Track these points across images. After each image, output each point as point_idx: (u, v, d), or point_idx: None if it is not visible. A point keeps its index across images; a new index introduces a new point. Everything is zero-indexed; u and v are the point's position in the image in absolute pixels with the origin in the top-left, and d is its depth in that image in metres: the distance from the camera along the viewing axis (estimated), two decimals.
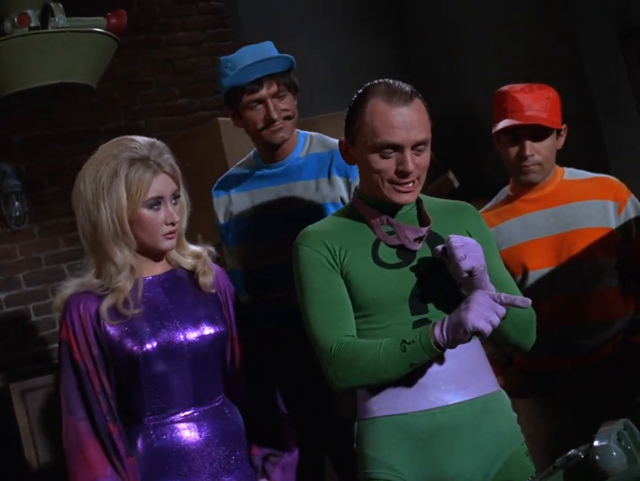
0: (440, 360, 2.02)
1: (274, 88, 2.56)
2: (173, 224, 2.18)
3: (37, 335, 4.64)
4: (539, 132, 2.59)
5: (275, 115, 2.55)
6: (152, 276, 2.23)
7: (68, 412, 2.14)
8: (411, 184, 2.03)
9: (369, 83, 2.09)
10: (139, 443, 2.17)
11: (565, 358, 2.62)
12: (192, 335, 2.18)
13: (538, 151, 2.60)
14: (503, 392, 2.14)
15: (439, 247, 2.01)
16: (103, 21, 3.27)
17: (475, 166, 5.05)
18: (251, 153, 2.75)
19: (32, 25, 3.17)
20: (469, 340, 1.92)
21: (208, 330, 2.20)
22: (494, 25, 4.93)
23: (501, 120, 2.64)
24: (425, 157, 2.05)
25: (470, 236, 2.12)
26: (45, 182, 4.74)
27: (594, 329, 2.60)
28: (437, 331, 1.92)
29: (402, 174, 2.01)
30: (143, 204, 2.14)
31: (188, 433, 2.16)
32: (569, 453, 1.75)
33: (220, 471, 2.18)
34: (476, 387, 2.05)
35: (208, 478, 2.16)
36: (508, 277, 2.17)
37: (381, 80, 2.08)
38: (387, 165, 2.02)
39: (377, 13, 5.51)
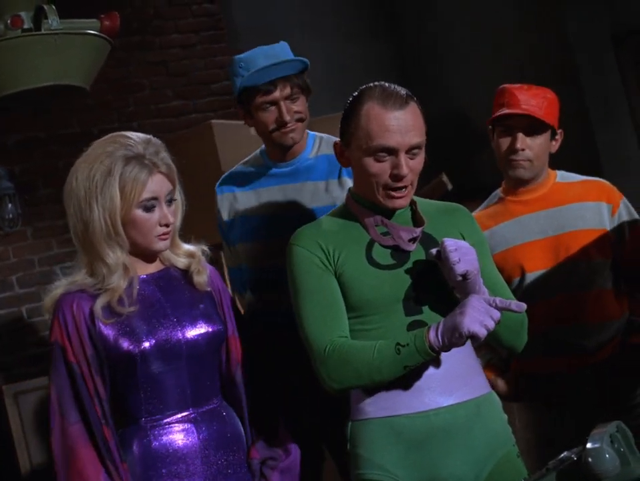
0: (433, 363, 2.03)
1: (287, 90, 2.56)
2: (167, 225, 2.12)
3: (30, 337, 4.63)
4: (532, 127, 2.60)
5: (287, 118, 2.55)
6: (146, 275, 2.17)
7: (60, 416, 2.07)
8: (404, 190, 2.04)
9: (364, 86, 2.09)
10: (135, 445, 2.11)
11: (562, 359, 2.62)
12: (190, 333, 2.13)
13: (530, 146, 2.60)
14: (494, 394, 2.15)
15: (434, 250, 2.01)
16: (97, 23, 3.26)
17: (469, 168, 5.06)
18: (257, 151, 2.75)
19: (25, 26, 3.16)
20: (464, 343, 1.93)
21: (206, 328, 2.15)
22: (488, 27, 4.94)
23: None
24: (419, 161, 2.05)
25: (463, 238, 2.12)
26: (38, 184, 4.74)
27: (591, 330, 2.61)
28: (432, 334, 1.92)
29: (396, 177, 2.01)
30: (137, 205, 2.08)
31: (185, 435, 2.11)
32: (562, 455, 1.75)
33: (217, 475, 2.12)
34: (469, 389, 2.06)
35: None
36: (500, 279, 2.17)
37: (376, 83, 2.08)
38: (381, 168, 2.02)
39: (371, 14, 5.51)
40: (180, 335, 2.12)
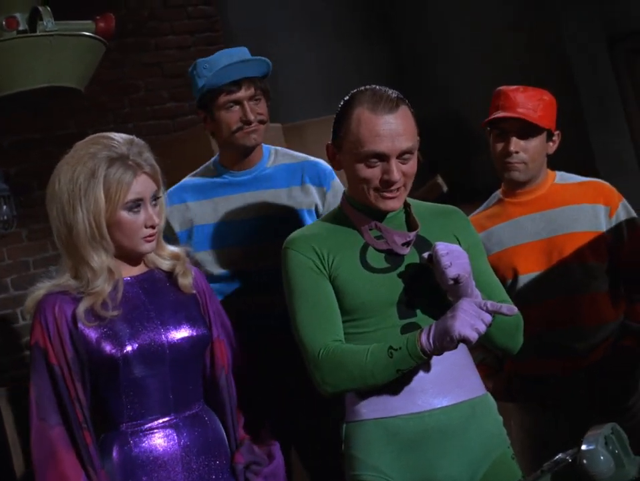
0: (428, 364, 2.03)
1: (251, 91, 2.58)
2: (153, 227, 2.09)
3: (24, 339, 4.61)
4: (527, 130, 2.60)
5: (252, 117, 2.56)
6: (130, 277, 2.14)
7: (39, 418, 2.03)
8: (396, 190, 2.03)
9: (355, 90, 2.09)
10: (115, 451, 2.07)
11: (556, 361, 2.62)
12: (174, 337, 2.10)
13: (524, 149, 2.60)
14: (489, 395, 2.15)
15: (425, 254, 2.01)
16: (92, 24, 3.25)
17: (464, 170, 5.06)
18: (209, 163, 2.74)
19: (20, 28, 3.15)
20: (455, 347, 1.92)
21: (190, 331, 2.13)
22: (483, 30, 4.95)
23: None
24: (411, 165, 2.04)
25: (458, 240, 2.12)
26: (33, 185, 4.73)
27: (585, 332, 2.61)
28: (424, 338, 1.93)
29: (387, 183, 2.01)
30: (122, 207, 2.04)
31: (166, 441, 2.08)
32: (557, 457, 1.75)
33: None
34: (464, 390, 2.06)
35: None
36: (496, 281, 2.18)
37: (367, 87, 2.08)
38: (372, 174, 2.02)
39: (366, 16, 5.52)
40: (164, 338, 2.09)
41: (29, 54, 3.10)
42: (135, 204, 2.06)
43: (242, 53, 2.65)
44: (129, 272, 2.15)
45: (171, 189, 2.72)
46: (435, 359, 2.02)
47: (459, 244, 2.12)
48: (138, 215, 2.07)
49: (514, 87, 2.66)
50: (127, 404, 2.08)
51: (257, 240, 2.62)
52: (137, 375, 2.06)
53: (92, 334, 2.05)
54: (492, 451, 2.07)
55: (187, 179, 2.75)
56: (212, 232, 2.64)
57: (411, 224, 2.11)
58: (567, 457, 1.72)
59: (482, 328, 1.87)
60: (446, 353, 2.00)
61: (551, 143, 2.68)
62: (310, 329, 2.04)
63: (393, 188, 2.02)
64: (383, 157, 2.00)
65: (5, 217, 4.63)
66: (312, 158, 2.75)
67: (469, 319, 1.87)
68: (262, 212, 2.64)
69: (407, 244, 2.07)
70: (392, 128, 1.99)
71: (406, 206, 2.12)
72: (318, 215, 2.68)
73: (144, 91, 5.10)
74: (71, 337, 2.05)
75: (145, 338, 2.07)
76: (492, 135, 2.67)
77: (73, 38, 3.16)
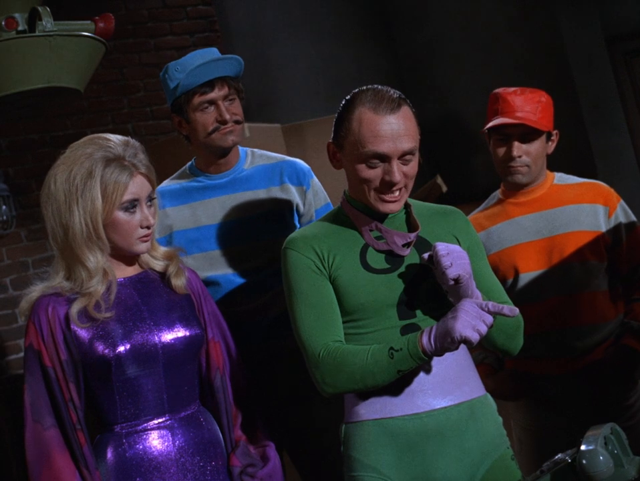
0: (428, 365, 2.03)
1: (225, 90, 2.55)
2: (148, 227, 2.10)
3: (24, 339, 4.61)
4: (528, 134, 2.60)
5: (227, 116, 2.53)
6: (124, 278, 2.15)
7: (33, 420, 2.03)
8: (397, 193, 2.03)
9: (357, 90, 2.08)
10: (110, 452, 2.07)
11: (556, 361, 2.63)
12: (167, 337, 2.10)
13: (527, 152, 2.61)
14: (489, 396, 2.15)
15: (426, 255, 2.00)
16: (91, 25, 3.25)
17: (463, 171, 5.06)
18: (185, 168, 2.71)
19: (19, 28, 3.15)
20: (457, 348, 1.92)
21: (183, 332, 2.13)
22: (482, 31, 4.95)
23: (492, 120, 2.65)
24: (412, 166, 2.03)
25: (458, 241, 2.12)
26: (32, 185, 4.73)
27: (585, 331, 2.61)
28: (425, 339, 1.92)
29: (388, 184, 2.00)
30: (118, 207, 2.05)
31: (161, 442, 2.07)
32: (556, 457, 1.75)
33: None
34: (463, 391, 2.06)
35: None
36: (496, 282, 2.17)
37: (369, 86, 2.07)
38: (373, 175, 2.01)
39: (365, 17, 5.51)
40: (157, 338, 2.09)
41: (28, 54, 3.09)
42: (132, 205, 2.08)
43: (213, 53, 2.61)
44: (123, 273, 2.15)
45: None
46: (435, 360, 2.02)
47: (459, 244, 2.12)
48: (134, 215, 2.09)
49: (511, 89, 2.66)
50: (120, 405, 2.08)
51: (238, 242, 2.60)
52: (130, 375, 2.07)
53: (85, 335, 2.06)
54: (491, 452, 2.06)
55: (163, 185, 2.70)
56: (191, 237, 2.61)
57: (411, 225, 2.10)
58: (567, 458, 1.72)
59: (484, 329, 1.87)
60: (446, 354, 2.00)
61: (550, 143, 2.69)
62: (310, 329, 2.03)
63: (394, 189, 2.02)
64: (384, 158, 1.99)
65: (4, 217, 4.63)
66: (289, 158, 2.73)
67: (470, 320, 1.86)
68: (241, 214, 2.61)
69: (407, 245, 2.06)
70: (394, 129, 1.98)
71: (407, 206, 2.12)
72: (299, 215, 2.66)
73: (143, 91, 5.10)
74: (65, 338, 2.06)
75: (138, 338, 2.07)
76: (492, 140, 2.67)
77: (73, 38, 3.15)
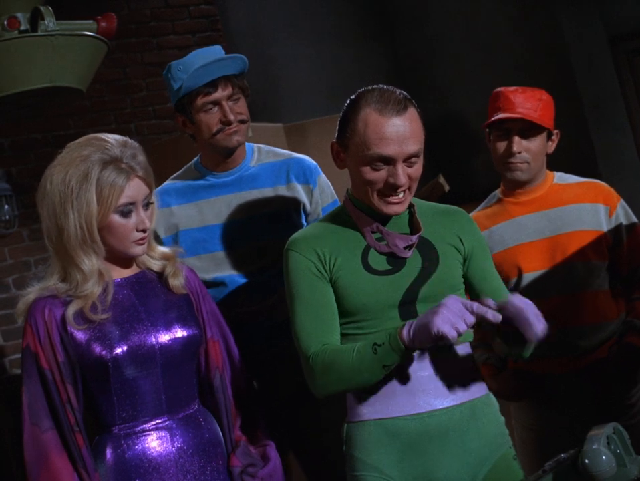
0: (429, 365, 2.03)
1: (229, 90, 2.52)
2: (144, 230, 2.07)
3: None
4: (528, 130, 2.60)
5: (232, 117, 2.50)
6: (121, 279, 2.13)
7: (31, 423, 2.02)
8: (401, 195, 2.02)
9: (362, 89, 2.05)
10: (109, 453, 2.06)
11: (559, 360, 2.62)
12: (164, 338, 2.08)
13: (527, 149, 2.61)
14: (491, 396, 2.14)
15: (491, 314, 1.88)
16: (93, 24, 3.25)
17: (464, 171, 5.06)
18: (190, 165, 2.69)
19: (22, 28, 3.15)
20: (434, 343, 1.88)
21: (180, 332, 2.10)
22: (483, 31, 4.95)
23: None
24: (417, 168, 2.02)
25: (461, 240, 2.11)
26: (34, 185, 4.63)
27: (588, 330, 2.61)
28: (405, 331, 1.90)
29: (393, 187, 1.99)
30: (114, 210, 2.03)
31: (160, 442, 2.06)
32: (559, 456, 1.75)
33: None
34: (465, 391, 2.05)
35: None
36: (501, 283, 2.17)
37: (375, 86, 2.04)
38: (377, 177, 1.99)
39: (366, 17, 5.52)
40: (154, 339, 2.07)
41: (30, 54, 3.10)
42: (127, 208, 2.05)
43: (216, 52, 2.58)
44: (119, 273, 2.13)
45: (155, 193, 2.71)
46: (436, 360, 2.01)
47: (462, 244, 2.11)
48: (129, 219, 2.06)
49: (513, 88, 2.66)
50: (118, 406, 2.06)
51: (244, 243, 2.58)
52: (128, 377, 2.05)
53: (82, 336, 2.04)
54: (493, 451, 2.06)
55: (169, 182, 2.68)
56: (197, 237, 2.59)
57: (414, 226, 2.09)
58: (569, 457, 1.72)
59: (462, 328, 1.84)
60: (448, 354, 2.01)
61: (550, 143, 2.69)
62: (305, 331, 2.03)
63: (398, 191, 2.00)
64: (389, 161, 1.97)
65: (7, 217, 4.63)
66: (296, 155, 2.70)
67: (451, 317, 1.84)
68: (248, 214, 2.59)
69: (409, 247, 2.05)
70: (399, 131, 1.96)
71: (410, 207, 2.10)
72: (305, 213, 2.64)
73: (146, 91, 5.10)
74: (62, 340, 2.04)
75: (135, 340, 2.05)
76: (492, 136, 2.67)
77: (75, 38, 3.15)
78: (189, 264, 2.44)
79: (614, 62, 4.62)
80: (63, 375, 2.02)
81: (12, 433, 4.14)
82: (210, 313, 2.22)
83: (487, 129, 2.69)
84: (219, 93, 2.51)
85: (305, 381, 2.05)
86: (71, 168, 2.02)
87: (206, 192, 2.61)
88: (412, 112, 2.00)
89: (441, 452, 2.02)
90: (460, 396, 2.04)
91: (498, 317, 1.87)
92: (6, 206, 4.63)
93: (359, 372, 1.95)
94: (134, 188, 2.05)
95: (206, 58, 2.51)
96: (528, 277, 2.62)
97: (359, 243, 2.08)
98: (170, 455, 2.06)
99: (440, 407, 2.02)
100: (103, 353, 2.02)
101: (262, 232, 2.57)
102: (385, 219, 2.08)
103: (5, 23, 3.15)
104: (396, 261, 2.05)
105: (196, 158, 2.69)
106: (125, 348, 2.03)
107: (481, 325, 1.96)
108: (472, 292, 2.13)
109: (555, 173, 2.74)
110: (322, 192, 2.65)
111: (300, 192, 2.62)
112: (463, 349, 2.08)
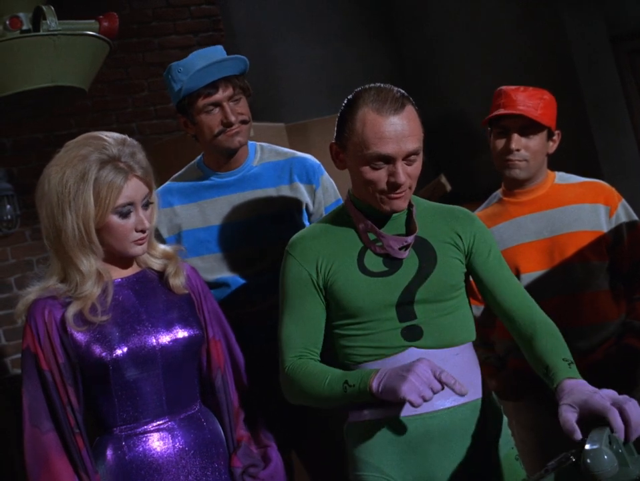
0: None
1: (229, 91, 2.51)
2: (144, 230, 2.05)
3: None
4: (528, 128, 2.60)
5: (233, 118, 2.49)
6: (121, 279, 2.11)
7: (32, 424, 2.00)
8: (402, 192, 2.01)
9: (359, 89, 2.04)
10: (109, 454, 2.04)
11: None
12: (165, 339, 2.06)
13: (526, 147, 2.61)
14: (493, 396, 2.14)
15: (578, 434, 1.76)
16: (95, 24, 3.25)
17: (466, 171, 5.06)
18: (193, 163, 2.68)
19: (24, 28, 3.15)
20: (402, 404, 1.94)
21: (182, 333, 2.09)
22: (486, 31, 4.95)
23: None
24: (416, 166, 2.02)
25: (460, 238, 2.10)
26: (36, 185, 4.73)
27: (587, 331, 2.61)
28: (374, 384, 1.91)
29: (393, 185, 1.99)
30: (112, 211, 2.00)
31: (161, 444, 2.04)
32: (561, 456, 1.75)
33: None
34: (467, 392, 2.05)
35: None
36: (512, 275, 2.14)
37: (371, 85, 2.03)
38: (377, 176, 1.99)
39: (369, 17, 5.52)
40: (154, 341, 2.05)
41: (32, 54, 3.10)
42: (126, 208, 2.02)
43: (216, 52, 2.57)
44: (119, 273, 2.12)
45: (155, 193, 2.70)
46: (438, 360, 2.00)
47: (461, 240, 2.10)
48: (128, 219, 2.03)
49: (515, 86, 2.66)
50: (119, 407, 2.05)
51: (247, 244, 2.57)
52: (129, 378, 2.03)
53: (82, 338, 2.01)
54: (495, 452, 2.06)
55: (171, 182, 2.67)
56: (200, 237, 2.58)
57: (411, 226, 2.09)
58: (571, 457, 1.72)
59: (429, 396, 1.84)
60: (450, 354, 2.01)
61: (551, 143, 2.69)
62: (288, 341, 2.07)
63: (398, 191, 2.00)
64: (389, 160, 1.97)
65: (9, 216, 4.64)
66: (299, 154, 2.69)
67: (418, 385, 1.84)
68: (251, 214, 2.58)
69: (405, 247, 2.05)
70: (398, 130, 1.95)
71: (409, 206, 2.10)
72: (308, 213, 2.63)
73: (147, 90, 5.10)
74: (62, 342, 2.02)
75: (135, 341, 2.03)
76: (492, 133, 2.67)
77: (77, 37, 3.15)
78: (191, 265, 2.42)
79: (616, 62, 4.61)
80: (64, 377, 2.00)
81: (14, 433, 4.14)
82: (211, 313, 2.21)
83: (488, 128, 2.69)
84: (220, 95, 2.50)
85: None
86: (69, 168, 1.99)
87: (209, 191, 2.61)
88: (410, 110, 2.00)
89: (443, 453, 2.02)
90: (462, 397, 2.02)
91: (464, 391, 1.88)
92: (8, 206, 4.63)
93: (326, 399, 2.00)
94: (133, 188, 2.02)
95: (207, 59, 2.50)
96: (526, 278, 2.62)
97: (356, 244, 2.08)
98: (171, 456, 2.05)
99: (442, 407, 2.02)
100: (104, 354, 2.00)
101: (264, 234, 2.56)
102: (383, 219, 2.07)
103: (7, 22, 3.15)
104: (392, 262, 2.05)
105: (199, 157, 2.68)
106: (125, 349, 2.02)
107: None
108: (481, 287, 2.12)
109: (556, 173, 2.74)
110: (325, 191, 2.65)
111: (303, 192, 2.61)
112: (466, 349, 2.07)
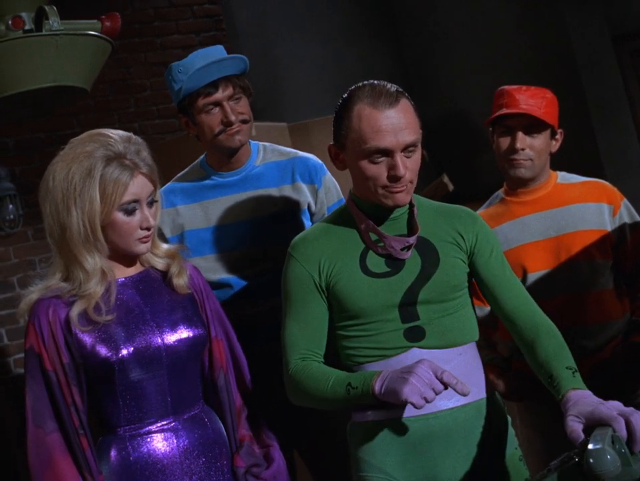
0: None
1: (229, 90, 2.51)
2: (148, 228, 2.04)
3: None
4: (532, 126, 2.60)
5: (233, 118, 2.49)
6: (125, 278, 2.10)
7: (35, 425, 1.99)
8: (403, 184, 2.01)
9: (353, 87, 2.05)
10: (113, 455, 2.03)
11: None
12: (170, 339, 2.05)
13: (530, 146, 2.61)
14: (497, 396, 2.14)
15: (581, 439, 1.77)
16: (98, 24, 3.25)
17: (468, 170, 5.06)
18: (196, 163, 2.68)
19: (26, 27, 3.15)
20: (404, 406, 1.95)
21: (186, 333, 2.08)
22: (487, 31, 4.94)
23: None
24: (416, 159, 2.02)
25: (462, 237, 2.10)
26: (39, 184, 4.72)
27: (593, 330, 2.61)
28: (377, 386, 1.92)
29: (394, 178, 1.99)
30: (118, 208, 1.99)
31: (165, 444, 2.03)
32: (563, 455, 1.75)
33: None
34: (470, 392, 2.03)
35: None
36: (513, 276, 2.15)
37: (365, 82, 2.04)
38: (378, 171, 1.99)
39: (371, 16, 5.52)
40: (160, 340, 2.04)
41: (34, 54, 3.10)
42: (132, 206, 2.01)
43: (216, 52, 2.56)
44: (123, 272, 2.11)
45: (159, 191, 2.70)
46: (441, 361, 2.00)
47: (463, 240, 2.10)
48: (133, 216, 2.02)
49: (516, 86, 2.66)
50: (124, 408, 2.03)
51: (250, 244, 2.57)
52: (134, 378, 2.02)
53: (87, 338, 2.00)
54: (499, 452, 2.06)
55: (174, 182, 2.67)
56: (203, 237, 2.58)
57: (413, 227, 2.08)
58: (574, 456, 1.72)
59: (431, 397, 1.84)
60: (453, 354, 2.01)
61: (554, 142, 2.69)
62: (291, 341, 2.08)
63: (400, 183, 1.99)
64: (387, 153, 1.98)
65: (11, 216, 4.64)
66: (302, 154, 2.69)
67: (420, 386, 1.84)
68: (253, 214, 2.58)
69: (407, 248, 2.05)
70: (394, 122, 1.96)
71: (410, 206, 2.10)
72: (311, 213, 2.63)
73: (150, 90, 5.10)
74: (66, 342, 2.00)
75: (141, 341, 2.02)
76: (495, 133, 2.67)
77: (79, 37, 3.15)
78: (194, 265, 2.42)
79: (619, 61, 4.61)
80: (68, 377, 1.99)
81: (17, 432, 4.14)
82: (213, 312, 2.21)
83: (490, 128, 2.69)
84: (219, 94, 2.50)
85: None
86: (74, 165, 1.98)
87: (212, 192, 2.61)
88: (405, 103, 2.00)
89: (446, 453, 2.02)
90: (466, 397, 2.02)
91: (466, 391, 1.88)
92: (10, 206, 4.63)
93: (329, 401, 2.01)
94: (138, 185, 2.01)
95: (206, 59, 2.50)
96: (533, 277, 2.62)
97: (358, 245, 2.08)
98: (175, 456, 2.04)
99: (445, 408, 2.02)
100: (109, 355, 1.99)
101: (267, 234, 2.56)
102: (385, 219, 2.07)
103: (10, 22, 3.15)
104: (395, 263, 2.05)
105: (202, 157, 2.68)
106: (131, 350, 2.01)
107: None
108: (483, 287, 2.12)
109: (558, 172, 2.74)
110: (327, 191, 2.65)
111: (305, 192, 2.61)
112: (469, 349, 2.07)
